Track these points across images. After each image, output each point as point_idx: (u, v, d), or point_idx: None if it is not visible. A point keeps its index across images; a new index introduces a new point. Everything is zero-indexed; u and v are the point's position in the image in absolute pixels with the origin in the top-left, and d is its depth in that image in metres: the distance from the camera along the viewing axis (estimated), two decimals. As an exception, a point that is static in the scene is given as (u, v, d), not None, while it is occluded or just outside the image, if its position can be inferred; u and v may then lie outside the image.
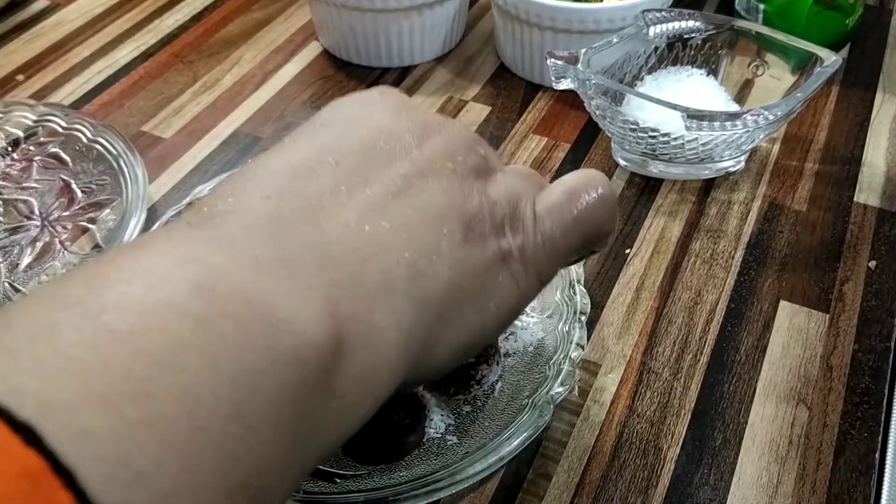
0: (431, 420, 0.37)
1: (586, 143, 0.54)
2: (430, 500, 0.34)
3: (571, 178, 0.28)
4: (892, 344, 0.42)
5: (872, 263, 0.46)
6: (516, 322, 0.40)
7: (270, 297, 0.20)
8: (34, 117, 0.54)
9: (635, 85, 0.53)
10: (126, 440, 0.16)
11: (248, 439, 0.18)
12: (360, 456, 0.34)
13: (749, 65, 0.54)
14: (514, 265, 0.26)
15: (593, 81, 0.47)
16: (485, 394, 0.38)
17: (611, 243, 0.29)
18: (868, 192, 0.50)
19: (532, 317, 0.41)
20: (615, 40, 0.51)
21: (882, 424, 0.38)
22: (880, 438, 0.38)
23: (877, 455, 0.37)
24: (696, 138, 0.47)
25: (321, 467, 0.35)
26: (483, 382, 0.37)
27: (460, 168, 0.26)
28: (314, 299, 0.21)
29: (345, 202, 0.23)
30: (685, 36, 0.54)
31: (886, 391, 0.40)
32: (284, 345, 0.19)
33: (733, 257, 0.46)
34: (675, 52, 0.54)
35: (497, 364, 0.38)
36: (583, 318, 0.39)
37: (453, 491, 0.34)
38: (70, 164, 0.52)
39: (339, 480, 0.35)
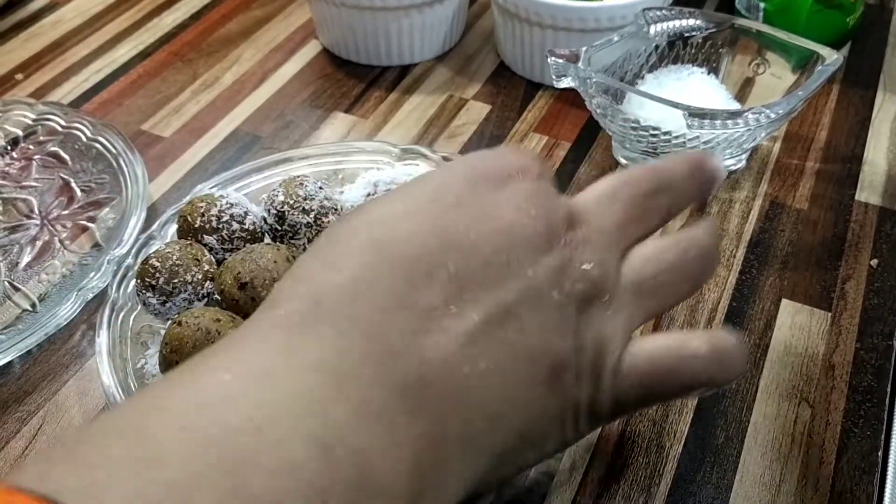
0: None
1: (587, 141, 0.54)
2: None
3: (673, 345, 0.26)
4: (895, 342, 0.42)
5: (874, 262, 0.46)
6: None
7: (370, 454, 0.20)
8: (33, 116, 0.54)
9: (636, 83, 0.53)
10: None
11: None
12: None
13: (750, 63, 0.54)
14: (580, 418, 0.25)
15: (594, 80, 0.47)
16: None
17: (707, 394, 0.29)
18: (869, 191, 0.50)
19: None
20: (616, 39, 0.51)
21: (885, 423, 0.38)
22: (883, 437, 0.38)
23: (880, 453, 0.37)
24: (697, 137, 0.47)
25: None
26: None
27: (566, 301, 0.24)
28: (404, 459, 0.20)
29: (448, 327, 0.22)
30: (686, 34, 0.54)
31: (889, 389, 0.40)
32: (373, 500, 0.20)
33: (735, 256, 0.46)
34: (675, 50, 0.54)
35: None
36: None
37: (456, 490, 0.34)
38: (69, 162, 0.51)
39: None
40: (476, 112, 0.57)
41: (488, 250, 0.24)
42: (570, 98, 0.57)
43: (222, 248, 0.42)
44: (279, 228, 0.43)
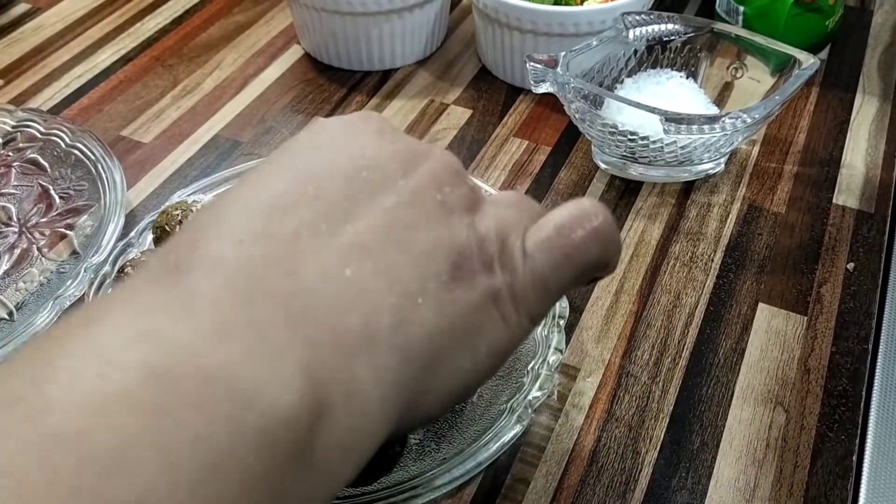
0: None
1: (567, 146, 0.54)
2: (408, 507, 0.34)
3: (563, 212, 0.26)
4: (870, 346, 0.42)
5: (850, 265, 0.46)
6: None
7: (237, 370, 0.18)
8: (13, 122, 0.54)
9: (615, 88, 0.53)
10: None
11: None
12: None
13: (728, 67, 0.54)
14: (504, 305, 0.24)
15: (572, 85, 0.47)
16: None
17: (614, 270, 0.28)
18: (847, 194, 0.51)
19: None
20: (595, 43, 0.51)
21: (860, 427, 0.39)
22: (858, 441, 0.38)
23: (854, 458, 0.37)
24: (675, 141, 0.47)
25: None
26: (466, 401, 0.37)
27: (449, 199, 0.24)
28: (287, 366, 0.19)
29: (325, 242, 0.22)
30: (665, 39, 0.54)
31: (864, 394, 0.40)
32: (252, 424, 0.18)
33: (713, 260, 0.47)
34: (654, 54, 0.54)
35: None
36: (561, 322, 0.39)
37: (431, 497, 0.34)
38: (48, 169, 0.51)
39: (316, 488, 0.35)
40: (457, 117, 0.57)
41: (351, 171, 0.23)
42: (551, 102, 0.57)
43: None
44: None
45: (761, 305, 0.44)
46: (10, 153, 0.53)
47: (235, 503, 0.17)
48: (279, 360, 0.19)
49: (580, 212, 0.26)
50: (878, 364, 0.41)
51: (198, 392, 0.17)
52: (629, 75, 0.54)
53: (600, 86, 0.52)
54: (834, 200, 0.50)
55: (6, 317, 0.43)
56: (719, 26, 0.53)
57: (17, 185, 0.51)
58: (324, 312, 0.20)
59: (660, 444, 0.38)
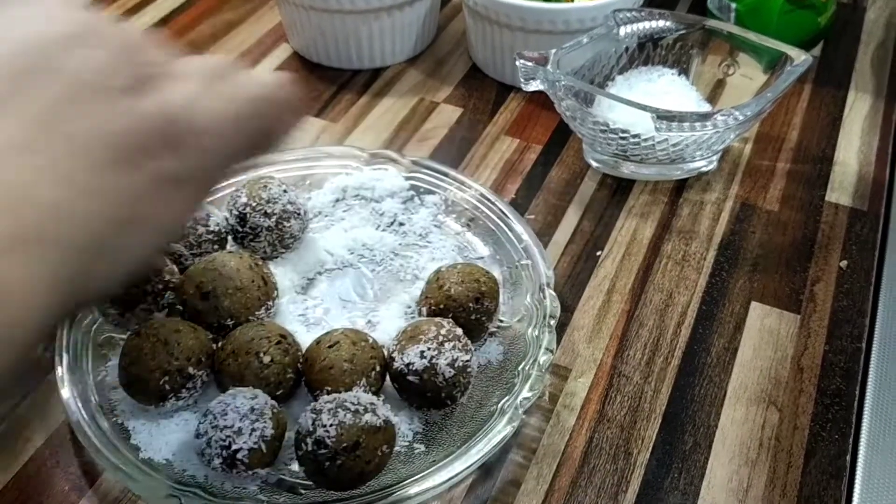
0: (398, 430, 0.36)
1: (558, 144, 0.54)
2: (397, 510, 0.34)
3: (234, 82, 0.26)
4: (864, 344, 0.42)
5: (844, 263, 0.46)
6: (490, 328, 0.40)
7: None
8: None
9: (606, 85, 0.53)
10: None
11: None
12: (327, 482, 0.33)
13: (720, 64, 0.54)
14: (171, 185, 0.24)
15: (563, 83, 0.47)
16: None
17: (279, 145, 0.29)
18: (840, 192, 0.50)
19: (502, 321, 0.41)
20: (585, 40, 0.51)
21: (853, 426, 0.38)
22: (851, 441, 0.38)
23: (848, 458, 0.37)
24: (667, 139, 0.46)
25: (284, 478, 0.35)
26: (457, 400, 0.37)
27: (111, 83, 0.24)
28: None
29: None
30: (656, 36, 0.53)
31: (858, 392, 0.40)
32: None
33: (705, 258, 0.46)
34: (646, 52, 0.54)
35: (469, 384, 0.37)
36: (552, 322, 0.39)
37: (421, 500, 0.34)
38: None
39: (304, 491, 0.35)
40: (447, 115, 0.57)
41: (14, 55, 0.23)
42: (542, 100, 0.56)
43: (191, 254, 0.41)
44: (240, 230, 0.42)
45: (754, 304, 0.44)
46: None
47: None
48: None
49: (250, 81, 0.27)
50: (872, 362, 0.41)
51: None
52: (620, 73, 0.54)
53: (591, 83, 0.52)
54: (827, 198, 0.50)
55: None
56: (711, 23, 0.53)
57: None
58: None
59: (652, 444, 0.38)
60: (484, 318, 0.39)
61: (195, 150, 0.25)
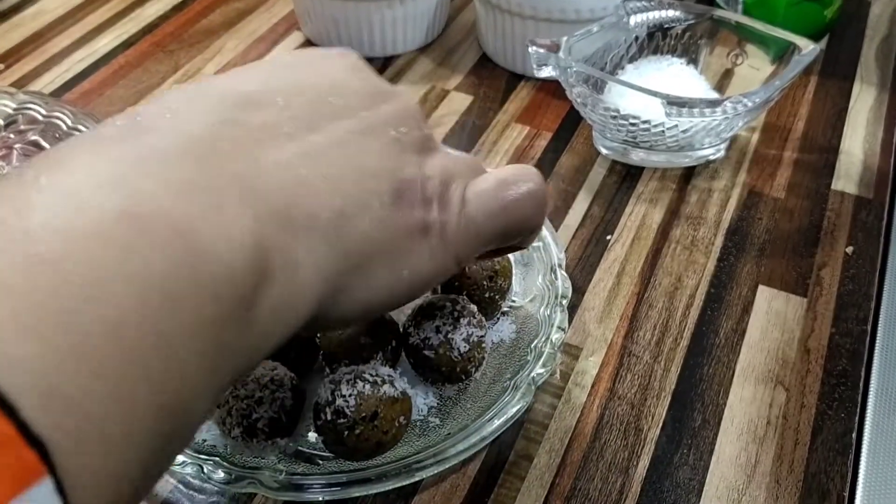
0: (414, 402, 0.37)
1: (568, 131, 0.55)
2: (413, 481, 0.34)
3: (506, 169, 0.29)
4: (869, 327, 0.42)
5: (850, 249, 0.46)
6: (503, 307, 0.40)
7: (197, 225, 0.20)
8: (14, 105, 0.54)
9: (616, 74, 0.54)
10: (56, 369, 0.16)
11: (172, 365, 0.19)
12: (345, 452, 0.34)
13: (728, 54, 0.55)
14: (434, 240, 0.27)
15: (574, 69, 0.48)
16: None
17: (531, 243, 0.31)
18: (845, 180, 0.51)
19: (514, 301, 0.42)
20: (596, 29, 0.51)
21: (859, 405, 0.39)
22: (857, 419, 0.38)
23: (853, 435, 0.38)
24: (676, 125, 0.47)
25: (301, 449, 0.36)
26: (472, 375, 0.38)
27: (403, 138, 0.27)
28: (240, 230, 0.21)
29: (283, 143, 0.24)
30: (665, 25, 0.54)
31: (863, 373, 0.40)
32: (207, 275, 0.20)
33: (713, 243, 0.47)
34: (655, 41, 0.54)
35: (483, 359, 0.38)
36: (564, 302, 0.40)
37: (435, 472, 0.35)
38: (50, 151, 0.51)
39: (321, 462, 0.35)
40: (458, 103, 0.57)
41: (320, 93, 0.26)
42: (552, 89, 0.57)
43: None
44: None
45: (761, 287, 0.44)
46: (12, 135, 0.52)
47: (190, 343, 0.19)
48: (232, 225, 0.21)
49: (521, 172, 0.29)
50: (877, 344, 0.42)
51: (163, 238, 0.19)
52: (630, 62, 0.54)
53: (601, 72, 0.53)
54: (833, 186, 0.51)
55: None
56: (719, 13, 0.54)
57: (19, 167, 0.51)
58: (274, 197, 0.22)
59: (662, 421, 0.38)
60: (497, 297, 0.39)
61: (459, 217, 0.27)
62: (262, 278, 0.21)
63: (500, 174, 0.29)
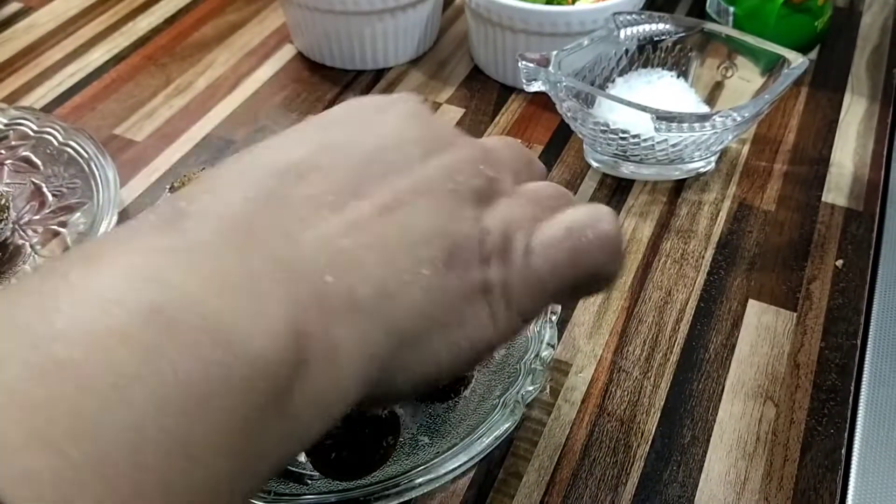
0: (403, 421, 0.37)
1: (559, 144, 0.55)
2: (402, 500, 0.34)
3: (576, 213, 0.26)
4: (859, 341, 0.42)
5: (839, 262, 0.46)
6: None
7: (229, 318, 0.19)
8: (5, 121, 0.54)
9: (606, 87, 0.54)
10: (69, 482, 0.16)
11: (193, 470, 0.18)
12: (333, 472, 0.34)
13: (719, 67, 0.55)
14: (494, 300, 0.24)
15: (564, 83, 0.48)
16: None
17: (613, 287, 0.27)
18: (836, 192, 0.51)
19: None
20: (586, 43, 0.52)
21: (848, 421, 0.39)
22: (847, 435, 0.38)
23: (843, 451, 0.38)
24: (666, 139, 0.47)
25: (291, 468, 0.35)
26: (460, 393, 0.38)
27: (461, 189, 0.24)
28: (274, 320, 0.19)
29: (327, 215, 0.22)
30: (656, 38, 0.54)
31: (853, 388, 0.40)
32: (237, 371, 0.18)
33: (703, 257, 0.47)
34: (645, 54, 0.55)
35: (472, 377, 0.38)
36: (553, 317, 0.40)
37: (425, 491, 0.34)
38: (41, 167, 0.51)
39: (310, 481, 0.35)
40: (450, 116, 0.58)
41: (370, 150, 0.24)
42: (543, 101, 0.57)
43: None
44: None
45: (751, 302, 0.44)
46: (3, 151, 0.52)
47: (217, 442, 0.18)
48: (267, 313, 0.19)
49: (593, 215, 0.26)
50: (867, 359, 0.42)
51: (191, 336, 0.18)
52: (620, 75, 0.54)
53: (592, 85, 0.53)
54: (823, 198, 0.51)
55: (-1, 313, 0.43)
56: (710, 26, 0.54)
57: (10, 183, 0.51)
58: (312, 276, 0.21)
59: (651, 438, 0.38)
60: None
61: (522, 272, 0.25)
62: (300, 367, 0.20)
63: (570, 218, 0.25)
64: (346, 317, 0.21)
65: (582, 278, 0.26)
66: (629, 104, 0.46)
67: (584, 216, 0.26)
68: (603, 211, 0.26)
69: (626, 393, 0.40)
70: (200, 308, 0.19)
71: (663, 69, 0.55)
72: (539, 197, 0.26)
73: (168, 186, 0.44)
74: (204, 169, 0.43)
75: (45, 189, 0.50)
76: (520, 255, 0.25)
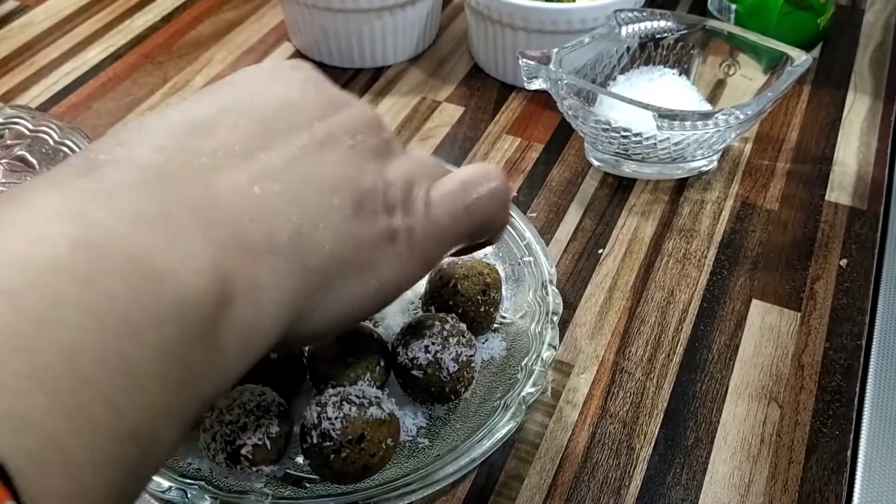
0: (402, 423, 0.36)
1: (559, 143, 0.54)
2: (401, 504, 0.34)
3: (468, 170, 0.30)
4: (864, 342, 0.42)
5: (843, 262, 0.46)
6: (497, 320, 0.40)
7: (154, 252, 0.20)
8: (1, 120, 0.53)
9: (607, 85, 0.53)
10: (12, 392, 0.16)
11: (133, 389, 0.19)
12: (332, 476, 0.34)
13: (721, 64, 0.54)
14: (401, 245, 0.27)
15: (565, 81, 0.47)
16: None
17: (499, 238, 0.32)
18: (839, 191, 0.51)
19: (505, 318, 0.41)
20: (587, 40, 0.51)
21: (853, 422, 0.39)
22: (852, 436, 0.38)
23: (848, 453, 0.37)
24: (668, 138, 0.47)
25: (290, 472, 0.35)
26: (461, 395, 0.37)
27: (360, 146, 0.27)
28: (198, 256, 0.21)
29: (237, 164, 0.24)
30: (657, 36, 0.54)
31: (858, 389, 0.40)
32: (167, 299, 0.20)
33: (706, 256, 0.46)
34: (647, 52, 0.54)
35: (473, 379, 0.37)
36: (555, 318, 0.39)
37: (425, 494, 0.34)
38: (37, 166, 0.51)
39: (308, 485, 0.35)
40: (449, 114, 0.57)
41: (271, 110, 0.26)
42: (544, 100, 0.57)
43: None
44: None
45: (755, 302, 0.44)
46: (-2, 150, 0.52)
47: (151, 367, 0.19)
48: (191, 251, 0.21)
49: (483, 171, 0.29)
50: (872, 360, 0.41)
51: (120, 266, 0.19)
52: (622, 72, 0.54)
53: (593, 83, 0.52)
54: (826, 197, 0.50)
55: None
56: (712, 23, 0.53)
57: (5, 183, 0.50)
58: (231, 220, 0.23)
59: (654, 440, 0.38)
60: (492, 309, 0.39)
61: (425, 221, 0.27)
62: (225, 302, 0.21)
63: (463, 174, 0.29)
64: (266, 258, 0.23)
65: (477, 227, 0.29)
66: (631, 102, 0.46)
67: (475, 172, 0.29)
68: (491, 168, 0.30)
69: (628, 394, 0.40)
70: (125, 242, 0.20)
71: (665, 67, 0.54)
72: (426, 161, 0.30)
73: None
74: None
75: (40, 188, 0.49)
76: (420, 205, 0.28)
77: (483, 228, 0.30)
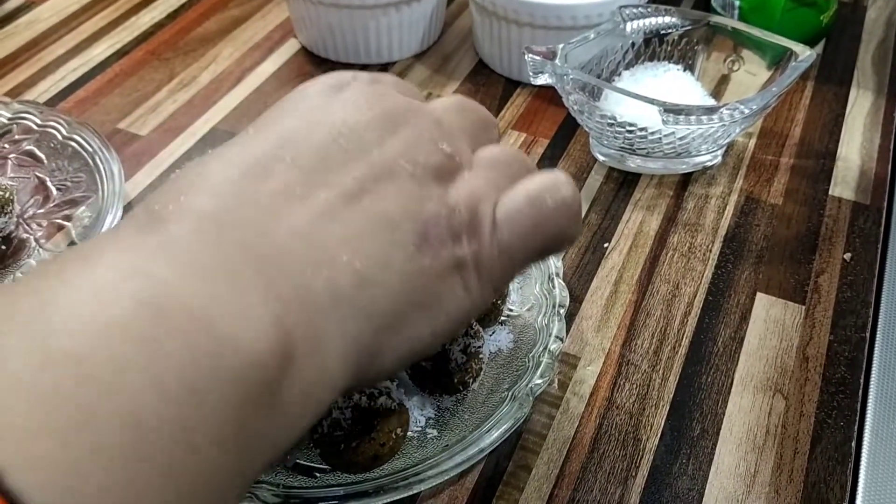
0: (411, 414, 0.36)
1: (565, 138, 0.55)
2: (411, 493, 0.34)
3: (536, 181, 0.27)
4: (868, 334, 0.42)
5: (847, 255, 0.46)
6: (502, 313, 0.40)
7: (215, 311, 0.20)
8: (9, 115, 0.54)
9: (612, 80, 0.54)
10: (73, 470, 0.16)
11: (191, 458, 0.18)
12: (342, 465, 0.34)
13: (725, 60, 0.55)
14: (468, 274, 0.25)
15: (571, 76, 0.48)
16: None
17: (568, 248, 0.29)
18: (843, 186, 0.51)
19: (512, 310, 0.41)
20: (592, 36, 0.51)
21: (858, 414, 0.39)
22: (856, 427, 0.38)
23: (853, 444, 0.38)
24: (673, 132, 0.47)
25: (300, 461, 0.35)
26: (469, 386, 0.37)
27: (419, 171, 0.25)
28: (259, 314, 0.20)
29: (296, 207, 0.23)
30: (662, 32, 0.54)
31: (862, 381, 0.40)
32: (228, 362, 0.19)
33: (711, 250, 0.47)
34: (651, 47, 0.54)
35: (481, 370, 0.38)
36: (562, 311, 0.40)
37: (433, 483, 0.34)
38: (45, 161, 0.51)
39: (318, 475, 0.35)
40: (454, 110, 0.57)
41: (325, 139, 0.24)
42: (549, 95, 0.57)
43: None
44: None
45: (759, 295, 0.44)
46: (7, 145, 0.52)
47: (213, 432, 0.19)
48: (253, 308, 0.20)
49: (552, 182, 0.27)
50: (876, 352, 0.41)
51: (182, 326, 0.19)
52: (626, 68, 0.54)
53: (598, 78, 0.52)
54: (830, 192, 0.51)
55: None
56: (716, 19, 0.54)
57: (14, 177, 0.51)
58: (291, 271, 0.22)
59: (660, 431, 0.38)
60: (499, 301, 0.39)
61: (491, 245, 0.26)
62: (288, 360, 0.20)
63: (530, 186, 0.27)
64: (328, 309, 0.22)
65: (546, 243, 0.27)
66: (636, 97, 0.46)
67: (543, 184, 0.27)
68: (559, 177, 0.27)
69: (634, 386, 0.40)
70: (186, 300, 0.19)
71: (669, 62, 0.54)
72: (497, 164, 0.27)
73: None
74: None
75: (49, 183, 0.50)
76: (487, 229, 0.26)
77: (554, 245, 0.28)
